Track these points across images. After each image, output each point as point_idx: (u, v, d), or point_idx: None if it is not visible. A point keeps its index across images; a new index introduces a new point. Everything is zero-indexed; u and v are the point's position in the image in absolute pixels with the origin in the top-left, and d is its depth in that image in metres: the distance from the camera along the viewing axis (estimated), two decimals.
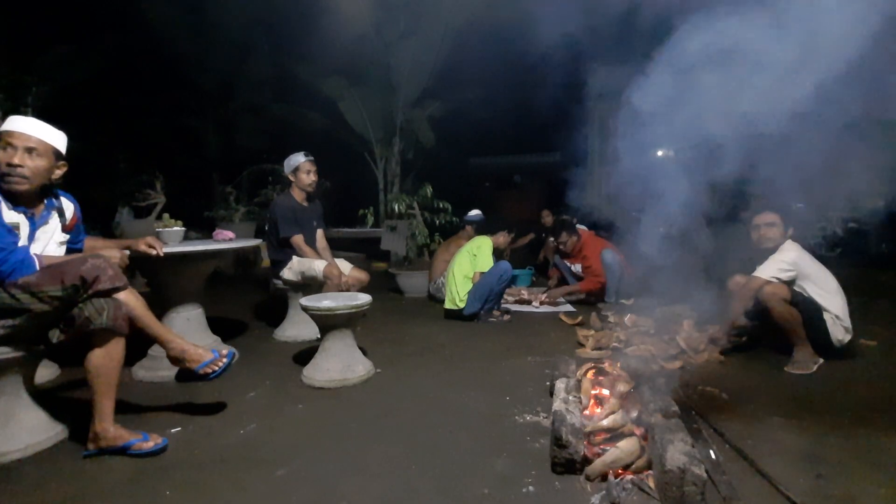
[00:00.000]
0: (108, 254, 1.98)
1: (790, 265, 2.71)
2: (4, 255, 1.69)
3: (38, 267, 1.74)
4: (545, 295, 4.60)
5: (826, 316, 2.69)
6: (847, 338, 2.73)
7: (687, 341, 2.86)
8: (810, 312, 2.68)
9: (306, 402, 2.34)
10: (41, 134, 1.84)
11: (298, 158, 3.41)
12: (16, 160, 1.77)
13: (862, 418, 2.05)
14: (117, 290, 1.82)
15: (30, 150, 1.80)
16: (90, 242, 2.18)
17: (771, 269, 2.73)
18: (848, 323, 2.72)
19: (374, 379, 2.64)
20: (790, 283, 2.73)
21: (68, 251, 2.02)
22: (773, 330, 2.79)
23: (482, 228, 4.72)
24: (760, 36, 2.18)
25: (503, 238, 4.43)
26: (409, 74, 7.27)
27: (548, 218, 6.65)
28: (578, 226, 4.83)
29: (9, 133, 1.78)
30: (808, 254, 2.82)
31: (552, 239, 5.10)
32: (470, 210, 5.12)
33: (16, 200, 1.82)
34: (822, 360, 2.68)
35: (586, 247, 4.60)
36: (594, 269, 4.45)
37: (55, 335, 1.80)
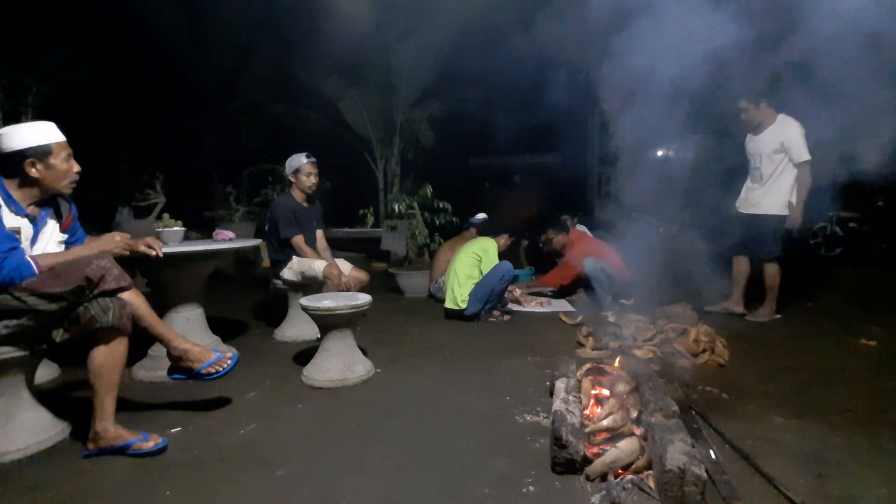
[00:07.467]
0: (109, 239, 2.01)
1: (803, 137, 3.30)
2: None
3: (36, 270, 1.74)
4: (518, 291, 4.51)
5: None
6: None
7: (685, 345, 2.86)
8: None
9: (306, 402, 2.34)
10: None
11: (300, 160, 3.38)
12: (77, 167, 1.92)
13: (862, 418, 2.05)
14: (122, 289, 1.83)
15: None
16: (90, 242, 2.17)
17: (803, 152, 3.28)
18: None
19: (374, 379, 2.64)
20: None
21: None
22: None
23: (484, 230, 4.72)
24: None
25: (504, 240, 4.43)
26: (409, 74, 7.27)
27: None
28: (578, 226, 4.80)
29: (65, 144, 1.87)
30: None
31: (540, 239, 5.01)
32: (471, 211, 5.13)
33: (39, 202, 1.87)
34: (778, 317, 3.30)
35: (573, 246, 4.52)
36: (566, 266, 4.43)
37: (59, 334, 1.80)
